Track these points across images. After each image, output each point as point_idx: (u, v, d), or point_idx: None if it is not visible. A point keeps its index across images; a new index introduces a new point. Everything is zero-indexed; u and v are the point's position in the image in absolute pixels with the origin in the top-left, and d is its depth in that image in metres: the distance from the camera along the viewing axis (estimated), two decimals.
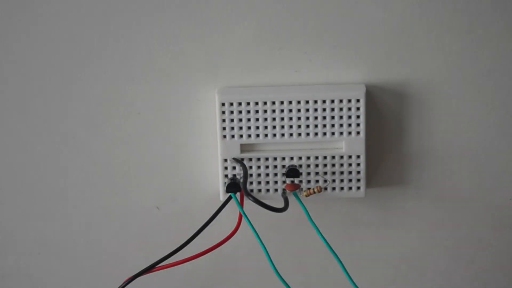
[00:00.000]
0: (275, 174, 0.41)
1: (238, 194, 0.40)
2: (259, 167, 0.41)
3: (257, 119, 0.40)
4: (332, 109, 0.40)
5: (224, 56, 0.40)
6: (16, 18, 0.40)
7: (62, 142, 0.42)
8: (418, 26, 0.40)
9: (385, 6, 0.39)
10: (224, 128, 0.40)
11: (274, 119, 0.40)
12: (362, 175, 0.40)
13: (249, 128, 0.40)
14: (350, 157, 0.40)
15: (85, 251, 0.44)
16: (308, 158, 0.41)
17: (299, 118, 0.40)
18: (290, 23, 0.40)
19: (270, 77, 0.41)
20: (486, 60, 0.40)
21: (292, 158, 0.41)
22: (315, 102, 0.40)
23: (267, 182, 0.41)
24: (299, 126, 0.40)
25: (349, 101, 0.39)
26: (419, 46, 0.40)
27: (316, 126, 0.40)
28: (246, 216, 0.39)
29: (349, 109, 0.40)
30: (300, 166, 0.41)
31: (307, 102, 0.40)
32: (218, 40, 0.40)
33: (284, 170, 0.41)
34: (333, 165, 0.41)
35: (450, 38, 0.40)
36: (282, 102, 0.40)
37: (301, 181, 0.41)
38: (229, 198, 0.40)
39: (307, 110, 0.40)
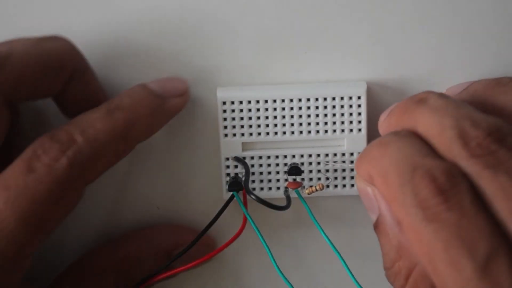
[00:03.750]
0: (277, 172, 0.41)
1: (240, 192, 0.40)
2: (261, 165, 0.41)
3: (258, 118, 0.40)
4: (333, 107, 0.40)
5: (224, 55, 0.40)
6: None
7: None
8: (419, 24, 0.40)
9: (386, 4, 0.39)
10: (225, 127, 0.40)
11: (275, 117, 0.40)
12: None
13: (250, 126, 0.40)
14: (351, 154, 0.40)
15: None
16: (310, 155, 0.41)
17: (300, 116, 0.40)
18: (290, 21, 0.40)
19: (270, 76, 0.41)
20: (486, 59, 0.40)
21: (293, 156, 0.41)
22: (316, 99, 0.40)
23: (269, 181, 0.41)
24: (300, 124, 0.40)
25: (350, 98, 0.39)
26: (420, 44, 0.40)
27: (317, 123, 0.40)
28: (248, 214, 0.39)
29: (350, 106, 0.40)
30: (302, 164, 0.41)
31: (308, 99, 0.40)
32: (219, 39, 0.40)
33: (286, 168, 0.41)
34: (335, 162, 0.41)
35: (451, 35, 0.40)
36: (283, 100, 0.40)
37: (303, 179, 0.41)
38: (232, 197, 0.40)
39: (308, 107, 0.40)
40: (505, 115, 0.34)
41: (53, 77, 0.36)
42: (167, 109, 0.38)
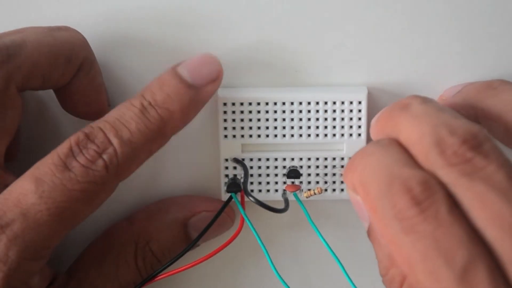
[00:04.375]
0: (276, 175, 0.41)
1: (238, 194, 0.40)
2: (259, 167, 0.41)
3: (259, 119, 0.40)
4: (334, 111, 0.40)
5: (225, 55, 0.40)
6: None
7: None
8: (420, 29, 0.40)
9: (387, 9, 0.40)
10: (225, 128, 0.40)
11: (275, 119, 0.40)
12: None
13: (250, 128, 0.40)
14: (351, 158, 0.40)
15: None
16: (309, 159, 0.41)
17: (300, 119, 0.40)
18: (291, 23, 0.40)
19: (271, 78, 0.41)
20: (487, 64, 0.40)
21: (293, 159, 0.41)
22: (317, 103, 0.40)
23: (268, 183, 0.41)
24: (300, 127, 0.40)
25: (351, 103, 0.40)
26: (421, 49, 0.40)
27: (317, 127, 0.40)
28: (246, 216, 0.39)
29: (351, 111, 0.40)
30: (301, 167, 0.41)
31: (309, 103, 0.40)
32: (220, 40, 0.40)
33: (285, 171, 0.41)
34: (334, 166, 0.41)
35: (450, 39, 0.40)
36: (284, 103, 0.40)
37: (301, 182, 0.41)
38: (230, 198, 0.40)
39: (309, 111, 0.40)
40: (492, 118, 0.34)
41: (64, 67, 0.36)
42: (200, 98, 0.37)
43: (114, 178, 0.34)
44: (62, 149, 0.34)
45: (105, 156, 0.34)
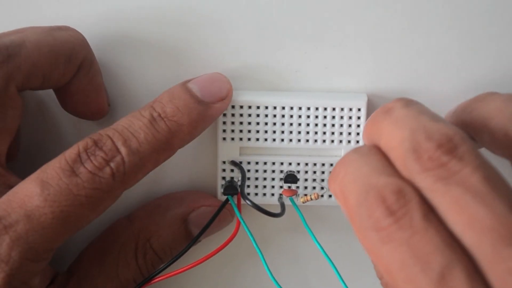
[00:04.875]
0: (273, 179, 0.41)
1: (235, 196, 0.40)
2: (257, 170, 0.41)
3: (258, 123, 0.40)
4: (333, 117, 0.40)
5: (224, 59, 0.40)
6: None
7: (65, 142, 0.42)
8: (421, 37, 0.40)
9: (388, 17, 0.40)
10: (224, 130, 0.40)
11: (274, 123, 0.40)
12: None
13: (249, 131, 0.40)
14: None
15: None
16: (306, 164, 0.41)
17: (299, 124, 0.40)
18: (292, 27, 0.40)
19: (270, 82, 0.41)
20: (487, 61, 0.40)
21: (290, 164, 0.41)
22: (316, 109, 0.40)
23: (264, 186, 0.41)
24: (299, 132, 0.40)
25: (350, 109, 0.40)
26: (421, 56, 0.40)
27: (315, 133, 0.40)
28: (242, 219, 0.39)
29: (350, 117, 0.40)
30: (298, 172, 0.41)
31: (308, 108, 0.40)
32: (218, 41, 0.40)
33: (282, 175, 0.41)
34: (331, 172, 0.41)
35: (450, 39, 0.40)
36: (283, 107, 0.40)
37: (298, 187, 0.41)
38: (226, 201, 0.40)
39: (308, 116, 0.40)
40: (479, 128, 0.34)
41: (64, 66, 0.36)
42: (209, 114, 0.37)
43: (120, 186, 0.34)
44: (70, 154, 0.34)
45: (112, 164, 0.34)
